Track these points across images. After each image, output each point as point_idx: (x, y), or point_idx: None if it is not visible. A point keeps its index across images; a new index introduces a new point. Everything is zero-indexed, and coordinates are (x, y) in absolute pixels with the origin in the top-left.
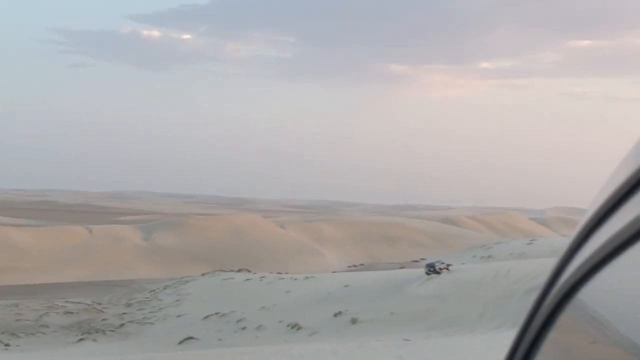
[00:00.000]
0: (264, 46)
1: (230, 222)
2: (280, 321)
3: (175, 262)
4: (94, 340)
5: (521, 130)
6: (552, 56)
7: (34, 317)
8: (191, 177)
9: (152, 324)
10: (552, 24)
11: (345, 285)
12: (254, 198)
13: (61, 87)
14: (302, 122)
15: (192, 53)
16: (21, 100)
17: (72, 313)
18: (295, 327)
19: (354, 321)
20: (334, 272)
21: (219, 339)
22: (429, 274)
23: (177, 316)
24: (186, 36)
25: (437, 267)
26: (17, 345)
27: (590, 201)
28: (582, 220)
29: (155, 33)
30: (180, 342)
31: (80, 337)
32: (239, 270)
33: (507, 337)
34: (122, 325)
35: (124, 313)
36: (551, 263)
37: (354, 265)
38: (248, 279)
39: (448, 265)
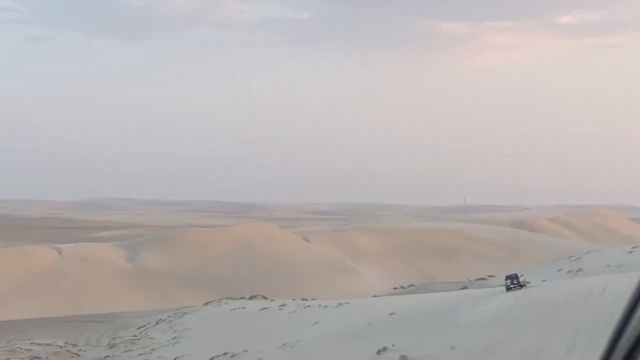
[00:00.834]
0: (274, 4)
1: (237, 235)
2: None
3: (169, 289)
4: None
5: (614, 103)
6: None
7: None
8: (184, 179)
9: None
10: None
11: (391, 314)
12: (266, 203)
13: (15, 66)
14: (322, 103)
15: (180, 18)
16: None
17: (40, 358)
18: None
19: (403, 359)
20: (375, 296)
21: None
22: (510, 289)
23: (175, 359)
24: None
25: (521, 280)
26: None
27: None
28: None
29: None
30: None
31: None
32: (251, 298)
33: None
34: None
35: (106, 357)
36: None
37: (401, 287)
38: (264, 308)
39: (524, 280)
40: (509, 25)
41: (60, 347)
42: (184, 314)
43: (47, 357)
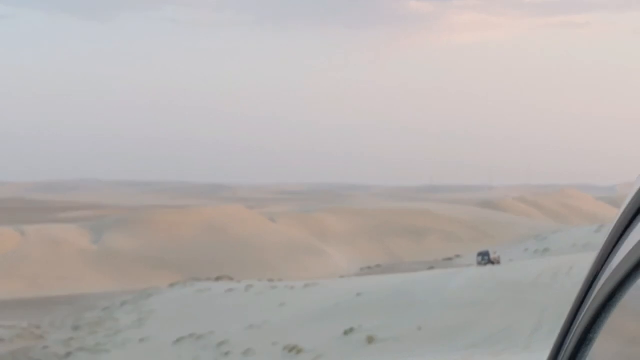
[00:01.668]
0: None
1: (204, 216)
2: (274, 343)
3: (135, 270)
4: None
5: (580, 84)
6: None
7: None
8: (150, 159)
9: (108, 351)
10: None
11: (358, 294)
12: (234, 183)
13: None
14: (292, 82)
15: None
16: None
17: (3, 340)
18: (294, 349)
19: (370, 340)
20: (342, 276)
21: None
22: (481, 264)
23: (140, 340)
24: None
25: (492, 257)
26: None
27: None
28: (627, 197)
29: None
30: None
31: None
32: (217, 279)
33: None
34: (68, 354)
35: (70, 338)
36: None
37: (369, 267)
38: (230, 290)
39: (499, 257)
40: (475, 3)
41: (24, 329)
42: (150, 295)
43: (10, 339)
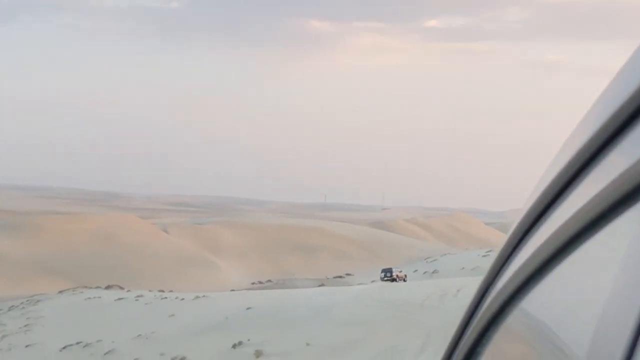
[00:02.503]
0: None
1: (95, 224)
2: (161, 354)
3: (23, 275)
4: None
5: (476, 111)
6: (517, 13)
7: None
8: (42, 164)
9: None
10: None
11: (248, 308)
12: (126, 193)
13: None
14: (190, 95)
15: (46, 1)
16: None
17: None
18: None
19: (258, 354)
20: (233, 290)
21: None
22: (384, 280)
23: (26, 346)
24: None
25: (395, 274)
26: None
27: (526, 199)
28: (515, 222)
29: None
30: None
31: None
32: (107, 287)
33: None
34: None
35: None
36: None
37: (260, 282)
38: (120, 299)
39: (405, 275)
40: (376, 26)
41: None
42: (38, 301)
43: None
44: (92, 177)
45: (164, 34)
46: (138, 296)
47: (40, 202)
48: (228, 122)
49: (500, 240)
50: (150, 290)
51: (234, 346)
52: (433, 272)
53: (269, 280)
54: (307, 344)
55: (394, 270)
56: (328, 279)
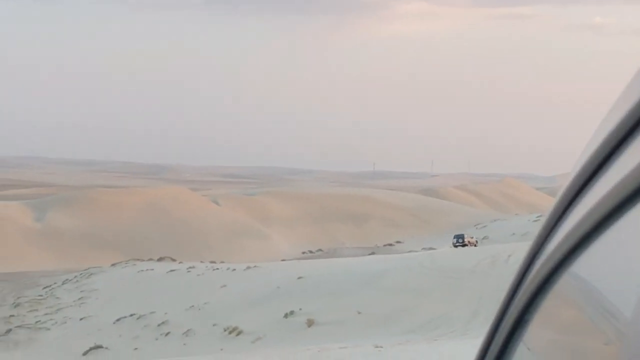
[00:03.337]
0: None
1: (147, 197)
2: (214, 324)
3: (77, 249)
4: None
5: (523, 76)
6: None
7: None
8: (93, 138)
9: (48, 329)
10: None
11: (299, 278)
12: (176, 165)
13: None
14: (234, 66)
15: None
16: None
17: None
18: (234, 331)
19: (310, 323)
20: (284, 260)
21: (135, 348)
22: (456, 246)
23: (81, 319)
24: None
25: (466, 239)
26: None
27: (575, 163)
28: (564, 186)
29: None
30: (85, 353)
31: None
32: (159, 260)
33: None
34: (8, 331)
35: (10, 316)
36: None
37: (310, 252)
38: (172, 270)
39: (476, 241)
40: None
41: None
42: (91, 274)
43: None
44: (142, 150)
45: (210, 4)
46: (190, 268)
47: (91, 176)
48: (275, 93)
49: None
50: (201, 262)
51: (285, 316)
52: (483, 238)
53: (320, 250)
54: (359, 312)
55: (465, 236)
56: (378, 247)
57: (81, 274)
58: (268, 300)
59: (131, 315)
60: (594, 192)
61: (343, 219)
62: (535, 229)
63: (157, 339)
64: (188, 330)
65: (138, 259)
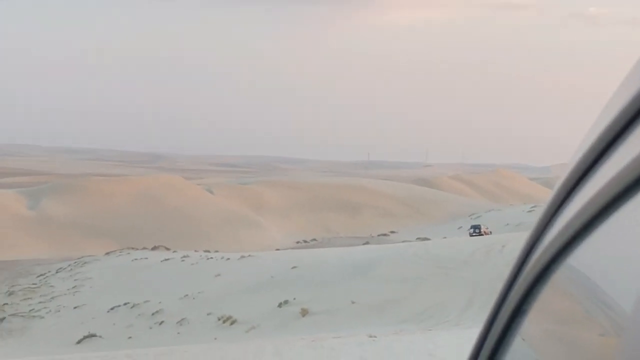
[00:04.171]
0: None
1: (141, 186)
2: (208, 313)
3: (71, 237)
4: None
5: (518, 65)
6: None
7: None
8: (88, 127)
9: (42, 317)
10: None
11: (293, 267)
12: (171, 153)
13: None
14: (228, 54)
15: None
16: None
17: None
18: (228, 320)
19: (303, 312)
20: (278, 249)
21: (129, 337)
22: (473, 236)
23: (75, 307)
24: None
25: (482, 230)
26: None
27: (572, 154)
28: (562, 177)
29: None
30: (79, 342)
31: None
32: (153, 248)
33: None
34: (2, 319)
35: (4, 304)
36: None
37: (304, 241)
38: (166, 260)
39: (490, 232)
40: None
41: None
42: (85, 263)
43: None
44: (137, 138)
45: None
46: (184, 257)
47: (85, 164)
48: (270, 82)
49: (545, 195)
50: (196, 251)
51: (279, 305)
52: None
53: (314, 239)
54: (353, 302)
55: (482, 226)
56: (372, 236)
57: (75, 262)
58: (262, 290)
59: (125, 304)
60: (592, 184)
61: (337, 208)
62: (530, 220)
63: (151, 328)
64: (182, 319)
65: (132, 248)
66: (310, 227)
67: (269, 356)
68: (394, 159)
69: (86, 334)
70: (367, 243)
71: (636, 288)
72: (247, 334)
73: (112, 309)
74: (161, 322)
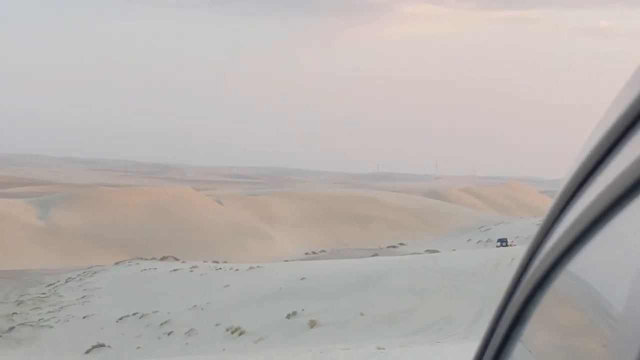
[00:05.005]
0: None
1: (150, 196)
2: (217, 324)
3: (80, 247)
4: None
5: (529, 78)
6: None
7: None
8: (98, 137)
9: (51, 327)
10: None
11: (302, 278)
12: (181, 164)
13: None
14: (240, 66)
15: None
16: None
17: None
18: (237, 331)
19: (312, 324)
20: (287, 261)
21: (138, 347)
22: (499, 247)
23: (84, 317)
24: None
25: (509, 243)
26: None
27: (572, 163)
28: (561, 186)
29: None
30: (87, 351)
31: None
32: (162, 259)
33: None
34: (11, 329)
35: (13, 313)
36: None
37: (313, 252)
38: (175, 270)
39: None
40: None
41: None
42: (95, 272)
43: None
44: (147, 149)
45: (215, 3)
46: (193, 267)
47: (94, 174)
48: (280, 93)
49: None
50: (205, 261)
51: (288, 316)
52: (487, 241)
53: (323, 251)
54: (361, 314)
55: (508, 240)
56: (381, 248)
57: (84, 272)
58: (271, 301)
59: (134, 314)
60: (591, 191)
61: (346, 220)
62: None
63: (159, 338)
64: (190, 329)
65: (141, 258)
66: (320, 238)
67: None
68: (404, 170)
69: (95, 343)
70: (375, 255)
71: (635, 294)
72: (256, 345)
73: (120, 319)
74: (170, 333)
